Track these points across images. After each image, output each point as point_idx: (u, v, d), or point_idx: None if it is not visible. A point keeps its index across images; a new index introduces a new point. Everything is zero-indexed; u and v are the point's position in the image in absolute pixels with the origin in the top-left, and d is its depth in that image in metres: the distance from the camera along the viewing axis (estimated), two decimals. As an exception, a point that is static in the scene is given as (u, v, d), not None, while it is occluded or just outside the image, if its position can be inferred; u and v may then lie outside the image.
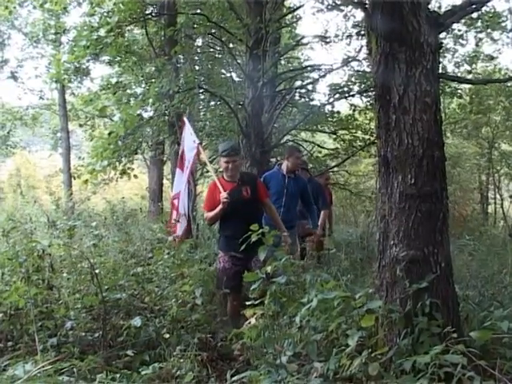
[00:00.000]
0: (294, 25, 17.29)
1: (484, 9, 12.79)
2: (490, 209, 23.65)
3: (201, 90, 13.02)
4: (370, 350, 3.71)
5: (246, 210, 6.39)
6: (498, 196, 23.38)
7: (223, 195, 6.32)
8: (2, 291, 5.58)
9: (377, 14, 4.21)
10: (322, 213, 9.16)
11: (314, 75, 15.95)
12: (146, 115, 11.72)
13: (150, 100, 10.80)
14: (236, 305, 6.20)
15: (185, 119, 8.40)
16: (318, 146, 17.68)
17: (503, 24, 14.32)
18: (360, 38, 13.96)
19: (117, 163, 11.45)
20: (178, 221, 8.34)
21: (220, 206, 6.39)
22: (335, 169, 16.59)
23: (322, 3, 14.54)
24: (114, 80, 16.14)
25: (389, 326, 4.04)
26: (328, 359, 3.94)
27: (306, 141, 18.07)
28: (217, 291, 6.66)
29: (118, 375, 4.22)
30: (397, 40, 4.16)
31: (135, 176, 12.43)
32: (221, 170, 7.11)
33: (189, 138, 8.11)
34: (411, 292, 4.01)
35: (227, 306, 6.46)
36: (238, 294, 6.37)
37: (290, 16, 16.20)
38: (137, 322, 5.24)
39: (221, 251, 6.67)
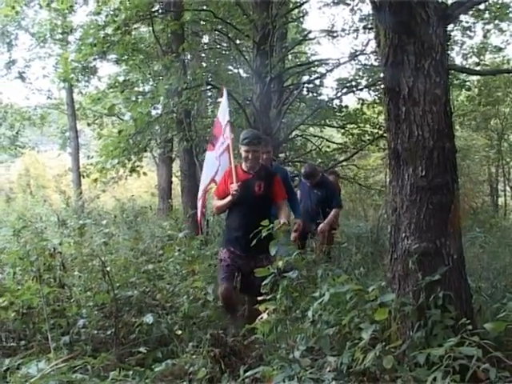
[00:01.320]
0: (301, 19, 17.31)
1: (491, 0, 12.72)
2: (500, 201, 23.58)
3: (208, 87, 13.04)
4: (383, 344, 3.69)
5: (255, 207, 5.93)
6: (508, 188, 23.32)
7: (234, 187, 5.94)
8: (14, 290, 5.59)
9: (385, 7, 4.18)
10: (334, 210, 8.95)
11: (322, 70, 15.97)
12: (154, 113, 11.74)
13: (161, 98, 10.81)
14: (227, 295, 5.83)
15: (224, 91, 7.65)
16: (327, 140, 17.64)
17: (511, 15, 14.25)
18: (367, 31, 13.99)
19: (126, 161, 11.47)
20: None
21: (229, 197, 6.01)
22: (344, 163, 16.56)
23: (329, -3, 14.53)
24: (121, 78, 16.18)
25: (402, 319, 4.01)
26: (341, 353, 3.92)
27: (314, 135, 18.03)
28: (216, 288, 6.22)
29: (130, 372, 4.21)
30: (405, 32, 4.13)
31: (144, 173, 12.45)
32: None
33: (224, 113, 7.38)
34: (424, 284, 3.99)
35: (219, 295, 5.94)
36: (229, 287, 5.85)
37: (296, 11, 16.22)
38: (149, 319, 5.25)
39: (222, 248, 6.21)
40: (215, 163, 7.28)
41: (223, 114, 7.35)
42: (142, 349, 5.03)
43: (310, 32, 16.30)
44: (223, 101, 7.56)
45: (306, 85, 16.08)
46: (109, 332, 5.41)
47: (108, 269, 5.94)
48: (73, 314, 5.61)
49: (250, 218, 5.48)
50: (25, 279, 5.97)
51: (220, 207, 6.31)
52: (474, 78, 17.40)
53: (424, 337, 3.84)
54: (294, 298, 4.60)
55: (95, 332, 5.42)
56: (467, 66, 15.37)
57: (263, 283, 4.57)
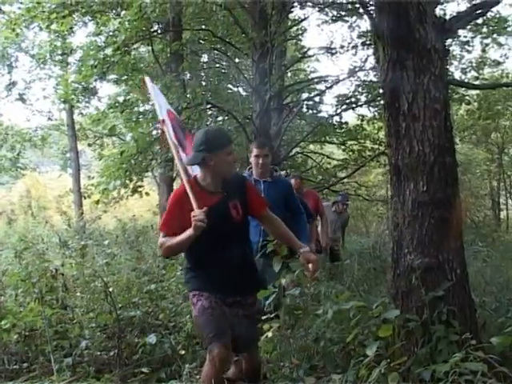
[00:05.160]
0: (300, 37, 17.36)
1: (489, 14, 12.80)
2: (502, 215, 23.56)
3: (208, 106, 13.07)
4: (388, 360, 3.67)
5: (235, 237, 4.21)
6: (509, 201, 23.31)
7: (198, 216, 3.83)
8: (17, 312, 5.57)
9: (383, 22, 4.20)
10: (310, 227, 7.35)
11: (321, 87, 16.09)
12: (154, 133, 11.78)
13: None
14: (226, 357, 4.03)
15: (146, 80, 5.70)
16: (327, 157, 17.69)
17: (509, 29, 14.33)
18: (366, 48, 14.03)
19: (128, 182, 11.49)
20: None
21: (188, 232, 3.90)
22: (345, 180, 16.58)
23: (327, 15, 14.62)
24: (121, 98, 16.22)
25: (406, 335, 3.99)
26: (346, 371, 3.90)
27: (314, 152, 18.07)
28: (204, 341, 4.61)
29: (134, 393, 4.20)
30: (404, 47, 4.15)
31: (147, 194, 12.46)
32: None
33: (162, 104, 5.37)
34: (427, 300, 3.98)
35: (204, 367, 4.09)
36: (228, 344, 3.99)
37: (295, 28, 16.29)
38: (152, 339, 5.22)
39: (193, 290, 4.25)
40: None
41: (160, 109, 5.31)
42: (145, 369, 5.01)
43: (308, 49, 16.40)
44: (153, 94, 5.58)
45: (305, 102, 16.15)
46: (112, 353, 5.38)
47: (110, 289, 5.91)
48: (75, 336, 5.58)
49: (233, 253, 4.14)
50: (27, 301, 5.94)
51: (174, 247, 4.12)
52: (474, 92, 17.45)
53: (429, 353, 3.82)
54: (297, 315, 4.59)
55: (98, 353, 5.38)
56: (466, 81, 15.42)
57: (267, 302, 4.49)
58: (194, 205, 3.93)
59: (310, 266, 4.22)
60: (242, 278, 4.16)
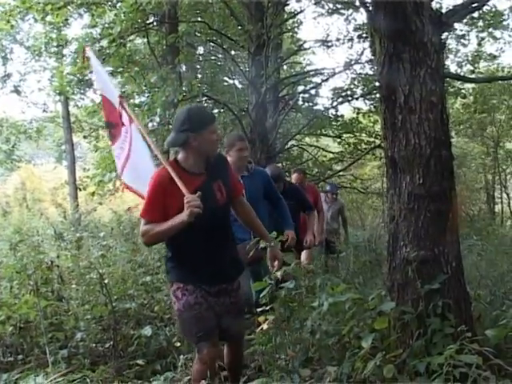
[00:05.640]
0: (296, 30, 17.35)
1: (485, 8, 12.80)
2: (497, 208, 23.61)
3: (204, 98, 13.05)
4: (383, 353, 3.67)
5: (218, 221, 4.00)
6: (504, 195, 23.37)
7: (191, 199, 3.62)
8: (12, 304, 5.56)
9: (380, 15, 4.19)
10: (309, 217, 7.58)
11: (317, 79, 16.06)
12: (150, 125, 11.75)
13: (158, 109, 10.80)
14: (215, 357, 3.98)
15: (87, 50, 5.34)
16: (323, 150, 17.69)
17: (505, 23, 14.35)
18: (362, 40, 14.03)
19: (123, 174, 11.47)
20: None
21: (182, 217, 3.66)
22: (341, 173, 16.59)
23: (323, 7, 14.59)
24: (117, 90, 16.15)
25: (401, 327, 4.00)
26: (341, 363, 3.91)
27: (310, 145, 18.07)
28: (187, 339, 4.76)
29: (129, 385, 4.20)
30: (400, 40, 4.14)
31: (142, 185, 12.41)
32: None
33: (110, 83, 5.10)
34: (423, 293, 3.98)
35: (194, 365, 4.07)
36: (215, 347, 3.97)
37: (291, 21, 16.28)
38: (147, 331, 5.22)
39: (175, 282, 4.05)
40: (120, 158, 5.19)
41: (106, 85, 5.07)
42: (140, 361, 5.02)
43: (304, 42, 16.40)
44: (95, 66, 5.18)
45: (301, 95, 16.12)
46: (107, 345, 5.39)
47: (106, 281, 5.91)
48: (70, 328, 5.58)
49: (217, 237, 3.99)
50: (22, 293, 5.93)
51: (160, 235, 3.89)
52: (469, 85, 17.47)
53: (424, 345, 3.83)
54: (292, 308, 4.59)
55: (93, 345, 5.40)
56: (462, 74, 15.43)
57: (261, 295, 4.47)
58: (184, 189, 3.70)
59: (276, 263, 4.33)
60: (226, 263, 4.04)
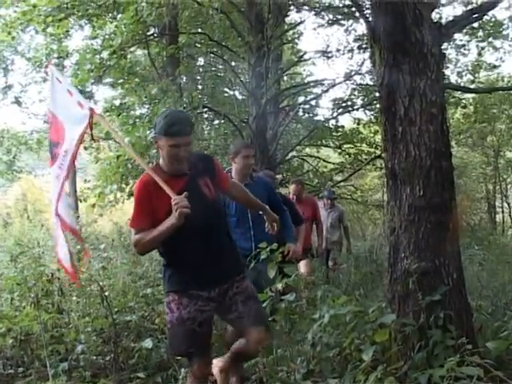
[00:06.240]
0: (296, 41, 17.38)
1: (485, 18, 12.81)
2: (498, 218, 23.57)
3: (205, 109, 13.07)
4: (384, 365, 3.66)
5: (210, 218, 3.83)
6: (505, 204, 23.34)
7: (180, 202, 3.51)
8: (12, 316, 5.55)
9: (380, 26, 4.21)
10: (298, 230, 6.81)
11: (317, 90, 16.09)
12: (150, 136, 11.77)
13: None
14: (207, 372, 3.95)
15: (50, 67, 4.97)
16: (324, 160, 17.69)
17: (505, 32, 14.37)
18: (362, 51, 14.05)
19: (123, 185, 11.48)
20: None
21: (172, 220, 3.56)
22: (341, 183, 16.59)
23: (323, 18, 14.63)
24: (117, 102, 16.20)
25: (402, 339, 3.99)
26: (342, 376, 3.90)
27: (310, 156, 18.07)
28: (170, 356, 4.93)
29: (130, 398, 4.19)
30: (400, 51, 4.15)
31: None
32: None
33: (68, 101, 4.56)
34: (424, 304, 3.97)
35: (188, 378, 4.06)
36: (207, 363, 3.95)
37: (291, 32, 16.31)
38: (148, 343, 5.20)
39: (171, 293, 3.93)
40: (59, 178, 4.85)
41: (62, 103, 4.79)
42: (141, 374, 5.00)
43: (305, 53, 16.40)
44: (53, 83, 4.89)
45: (301, 106, 16.16)
46: (108, 357, 5.36)
47: (106, 293, 5.90)
48: (71, 340, 5.56)
49: (213, 236, 3.84)
50: (23, 305, 5.92)
51: (152, 241, 3.77)
52: (470, 95, 17.46)
53: (425, 357, 3.82)
54: (293, 320, 4.58)
55: (94, 358, 5.37)
56: (462, 84, 15.45)
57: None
58: (169, 191, 3.59)
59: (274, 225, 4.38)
60: (225, 262, 3.88)
